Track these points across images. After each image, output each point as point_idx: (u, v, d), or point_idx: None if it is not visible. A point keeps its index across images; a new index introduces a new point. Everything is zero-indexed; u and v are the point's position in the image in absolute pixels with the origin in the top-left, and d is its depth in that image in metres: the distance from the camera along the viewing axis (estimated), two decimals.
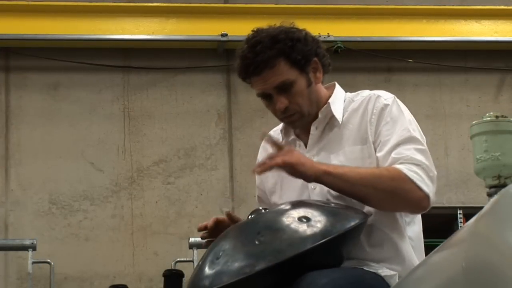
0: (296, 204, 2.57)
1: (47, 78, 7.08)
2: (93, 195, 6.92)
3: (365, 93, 2.80)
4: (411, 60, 7.37)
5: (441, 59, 7.40)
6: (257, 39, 2.71)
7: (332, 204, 2.62)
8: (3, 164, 6.90)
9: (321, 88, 2.82)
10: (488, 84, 7.50)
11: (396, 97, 2.75)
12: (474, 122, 4.46)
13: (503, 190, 1.64)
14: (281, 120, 2.79)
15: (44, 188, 6.89)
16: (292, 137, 2.84)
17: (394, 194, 2.59)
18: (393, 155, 2.61)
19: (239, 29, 6.85)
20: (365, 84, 6.80)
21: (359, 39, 7.14)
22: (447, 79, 7.46)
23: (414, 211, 2.68)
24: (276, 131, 2.92)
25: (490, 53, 7.52)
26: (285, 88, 2.71)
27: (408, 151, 2.61)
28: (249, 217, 2.59)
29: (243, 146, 7.07)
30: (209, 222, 2.74)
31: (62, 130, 7.00)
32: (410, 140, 2.64)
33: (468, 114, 7.21)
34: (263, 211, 2.57)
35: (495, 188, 4.27)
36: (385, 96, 2.75)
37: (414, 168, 2.58)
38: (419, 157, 2.60)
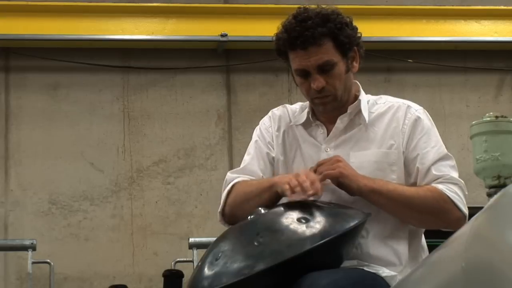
0: (296, 205, 2.56)
1: (47, 78, 7.07)
2: (93, 195, 6.91)
3: (390, 99, 2.85)
4: (411, 60, 7.36)
5: (441, 59, 7.39)
6: (307, 15, 2.71)
7: (332, 205, 2.61)
8: (3, 164, 6.89)
9: (353, 80, 2.83)
10: (488, 84, 7.49)
11: (424, 109, 2.83)
12: (473, 122, 4.43)
13: (503, 190, 1.64)
14: (312, 100, 2.77)
15: (44, 188, 6.88)
16: (318, 122, 2.83)
17: (435, 215, 2.68)
18: (433, 171, 2.71)
19: (239, 29, 6.84)
20: (365, 84, 6.68)
21: None
22: (447, 79, 7.45)
23: (448, 228, 2.73)
24: (293, 109, 2.90)
25: (490, 53, 7.51)
26: (327, 68, 2.71)
27: (445, 168, 2.73)
28: (249, 217, 2.58)
29: (243, 146, 7.02)
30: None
31: (62, 130, 6.99)
32: (446, 157, 2.77)
33: (468, 114, 7.20)
34: (262, 211, 2.57)
35: (495, 188, 4.24)
36: (415, 107, 2.82)
37: (454, 188, 2.69)
38: (455, 175, 2.73)
